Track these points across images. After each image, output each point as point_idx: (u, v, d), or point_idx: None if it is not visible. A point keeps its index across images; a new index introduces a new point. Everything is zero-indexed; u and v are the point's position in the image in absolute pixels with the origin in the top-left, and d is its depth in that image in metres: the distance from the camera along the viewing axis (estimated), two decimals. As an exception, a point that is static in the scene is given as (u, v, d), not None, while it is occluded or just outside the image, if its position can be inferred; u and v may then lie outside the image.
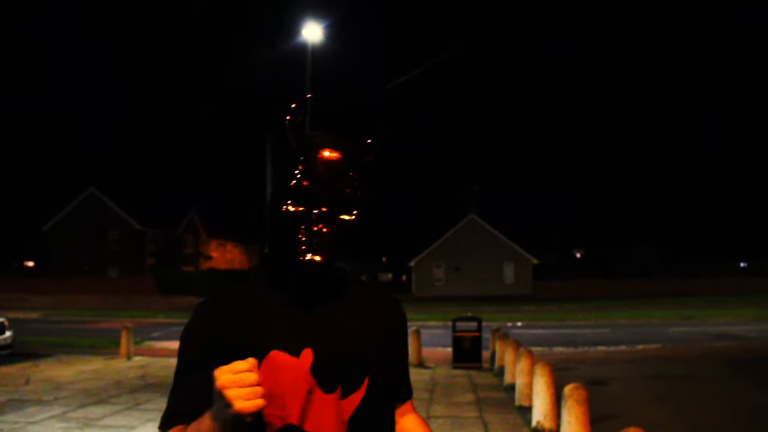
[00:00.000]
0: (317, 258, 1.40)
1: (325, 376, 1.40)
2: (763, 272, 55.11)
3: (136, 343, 15.97)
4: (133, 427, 7.71)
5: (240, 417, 1.19)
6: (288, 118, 1.53)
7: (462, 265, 49.69)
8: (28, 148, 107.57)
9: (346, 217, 1.46)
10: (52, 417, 8.23)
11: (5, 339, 13.62)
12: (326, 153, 1.47)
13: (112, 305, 37.61)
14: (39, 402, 9.20)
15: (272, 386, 1.33)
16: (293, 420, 1.36)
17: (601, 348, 16.48)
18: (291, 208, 1.44)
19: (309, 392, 1.39)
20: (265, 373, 1.35)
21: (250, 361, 1.22)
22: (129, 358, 14.06)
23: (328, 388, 1.40)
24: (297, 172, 1.47)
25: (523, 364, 9.07)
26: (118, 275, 52.70)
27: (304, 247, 1.41)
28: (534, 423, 7.60)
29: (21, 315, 27.46)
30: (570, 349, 16.27)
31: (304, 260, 1.40)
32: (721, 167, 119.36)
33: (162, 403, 9.23)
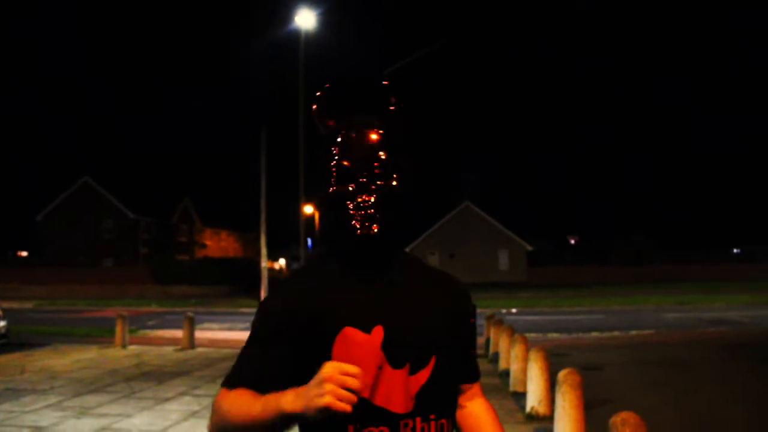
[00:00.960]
0: (370, 230, 1.49)
1: (395, 353, 1.47)
2: (756, 258, 55.32)
3: (132, 331, 15.97)
4: (129, 416, 7.72)
5: (324, 412, 1.24)
6: (314, 107, 1.64)
7: (457, 252, 49.79)
8: (22, 138, 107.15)
9: (387, 183, 1.53)
10: (47, 406, 8.24)
11: (0, 329, 13.61)
12: (358, 133, 1.56)
13: (106, 294, 37.58)
14: (35, 391, 9.20)
15: (345, 361, 1.35)
16: (365, 394, 1.39)
17: (595, 334, 16.55)
18: (338, 188, 1.53)
19: (380, 368, 1.46)
20: (339, 348, 1.46)
21: (359, 371, 1.27)
22: (124, 346, 14.07)
23: (397, 364, 1.48)
24: (335, 154, 1.55)
25: (517, 351, 9.10)
26: (112, 264, 52.68)
27: (355, 223, 1.49)
28: (528, 408, 7.64)
29: (15, 305, 27.42)
30: (564, 335, 16.33)
31: (358, 235, 1.49)
32: (715, 156, 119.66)
33: (157, 392, 9.29)
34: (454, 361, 1.59)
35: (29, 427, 7.22)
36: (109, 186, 54.58)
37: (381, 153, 1.54)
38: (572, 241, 76.52)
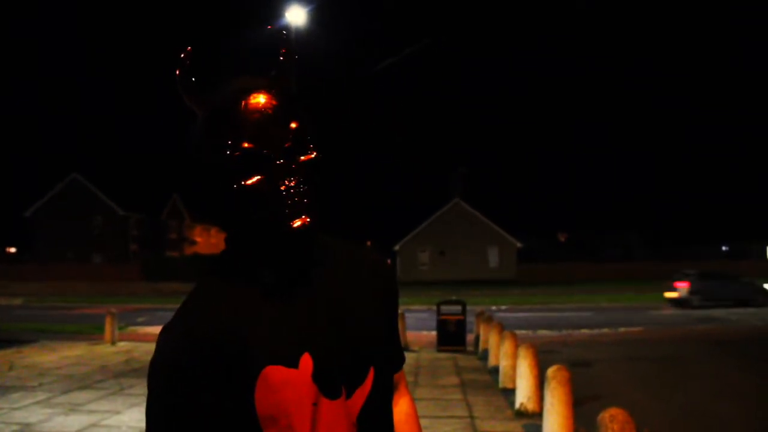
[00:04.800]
0: (306, 220, 1.17)
1: (328, 381, 1.19)
2: (744, 255, 55.73)
3: (121, 328, 15.94)
4: (118, 412, 7.70)
5: None
6: (178, 73, 1.24)
7: (447, 249, 49.83)
8: (11, 134, 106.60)
9: (308, 157, 1.21)
10: (36, 403, 8.20)
11: (-12, 325, 13.57)
12: (252, 99, 1.19)
13: (96, 291, 37.41)
14: (23, 388, 9.16)
15: (273, 407, 1.15)
16: None
17: (584, 331, 16.62)
18: (248, 181, 1.17)
19: (314, 404, 1.18)
20: (262, 394, 1.15)
21: None
22: (113, 343, 14.02)
23: (333, 394, 1.19)
24: (228, 138, 1.18)
25: (506, 347, 9.13)
26: (101, 261, 52.51)
27: (284, 216, 1.17)
28: (517, 405, 7.67)
29: (4, 301, 27.33)
30: (554, 332, 16.39)
31: (295, 228, 1.17)
32: (705, 154, 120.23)
33: (146, 388, 9.21)
34: (389, 360, 1.34)
35: (18, 423, 7.18)
36: (98, 182, 54.36)
37: (292, 122, 1.20)
38: (562, 239, 76.75)
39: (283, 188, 1.17)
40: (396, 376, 1.43)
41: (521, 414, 7.53)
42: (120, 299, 31.12)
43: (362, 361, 1.25)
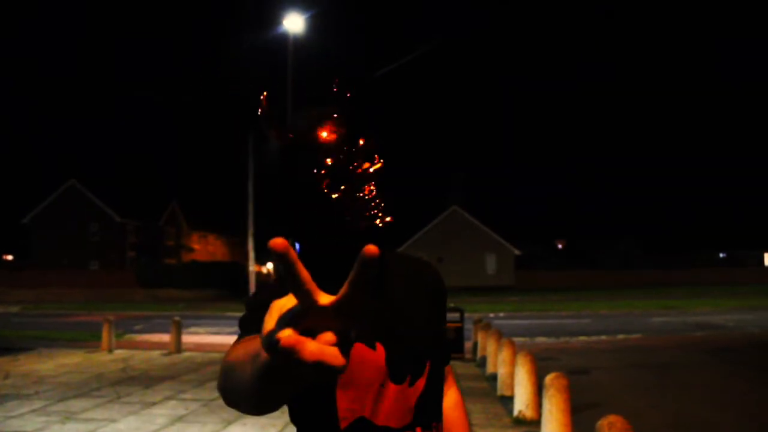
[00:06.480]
0: (387, 219, 1.37)
1: (397, 368, 1.38)
2: (741, 263, 55.83)
3: (118, 336, 15.89)
4: (114, 420, 7.67)
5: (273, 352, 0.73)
6: (261, 110, 1.40)
7: (445, 256, 49.81)
8: (8, 141, 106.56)
9: (376, 167, 1.40)
10: (32, 411, 8.17)
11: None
12: (327, 124, 1.39)
13: (93, 298, 37.35)
14: (19, 396, 9.13)
15: (350, 378, 1.32)
16: (365, 413, 1.34)
17: (582, 338, 16.59)
18: (334, 195, 1.36)
19: (381, 385, 1.36)
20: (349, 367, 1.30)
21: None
22: (110, 351, 13.98)
23: (398, 380, 1.38)
24: (312, 158, 1.38)
25: (505, 355, 9.12)
26: (99, 268, 52.37)
27: (363, 219, 1.35)
28: (516, 412, 7.66)
29: (1, 309, 27.21)
30: (552, 340, 16.36)
31: (374, 228, 1.36)
32: (702, 161, 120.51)
33: (143, 396, 9.23)
34: (442, 357, 1.52)
35: (14, 432, 7.16)
36: (95, 189, 54.29)
37: (358, 138, 1.40)
38: (560, 246, 76.77)
39: (360, 195, 1.37)
40: (448, 375, 1.65)
41: (519, 421, 7.51)
42: (117, 306, 31.03)
43: (422, 355, 1.43)
